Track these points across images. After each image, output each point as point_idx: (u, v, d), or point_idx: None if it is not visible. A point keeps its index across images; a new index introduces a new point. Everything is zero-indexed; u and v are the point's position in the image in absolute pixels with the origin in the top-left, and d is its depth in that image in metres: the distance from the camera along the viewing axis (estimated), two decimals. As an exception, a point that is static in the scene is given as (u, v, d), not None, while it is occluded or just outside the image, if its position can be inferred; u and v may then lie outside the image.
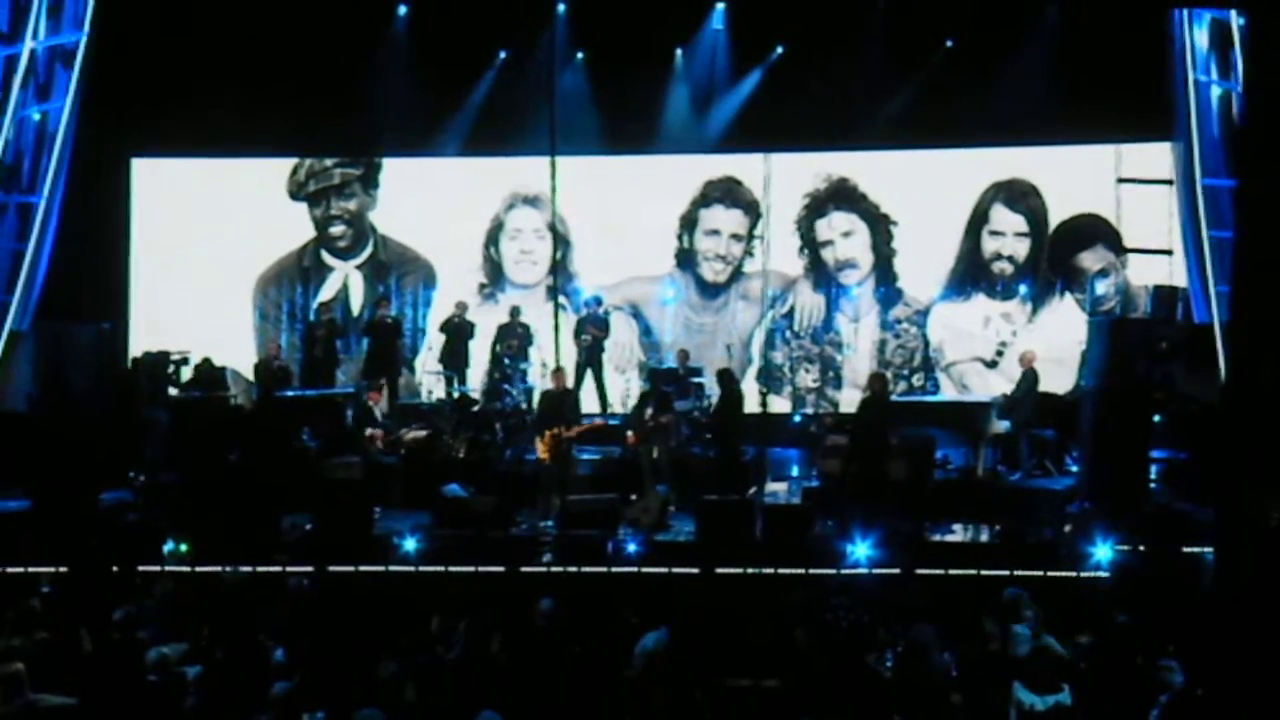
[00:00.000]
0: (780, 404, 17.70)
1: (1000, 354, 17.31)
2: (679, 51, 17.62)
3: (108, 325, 14.82)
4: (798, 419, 16.98)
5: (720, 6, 17.39)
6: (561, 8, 17.32)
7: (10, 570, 11.28)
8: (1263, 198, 5.39)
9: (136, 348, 16.72)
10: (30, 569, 11.18)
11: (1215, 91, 13.37)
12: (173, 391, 15.07)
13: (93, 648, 8.53)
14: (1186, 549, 11.16)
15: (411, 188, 18.44)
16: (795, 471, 15.54)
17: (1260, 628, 5.94)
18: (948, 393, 17.25)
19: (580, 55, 17.56)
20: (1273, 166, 5.35)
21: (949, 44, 16.83)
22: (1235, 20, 13.02)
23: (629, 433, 14.31)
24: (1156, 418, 13.82)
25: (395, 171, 18.53)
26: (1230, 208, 13.13)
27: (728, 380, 14.43)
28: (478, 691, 7.96)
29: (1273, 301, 5.65)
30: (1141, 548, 11.24)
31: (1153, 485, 13.41)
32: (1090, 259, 17.43)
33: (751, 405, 17.25)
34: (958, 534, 12.87)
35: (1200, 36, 13.40)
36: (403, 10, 17.45)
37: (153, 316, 17.76)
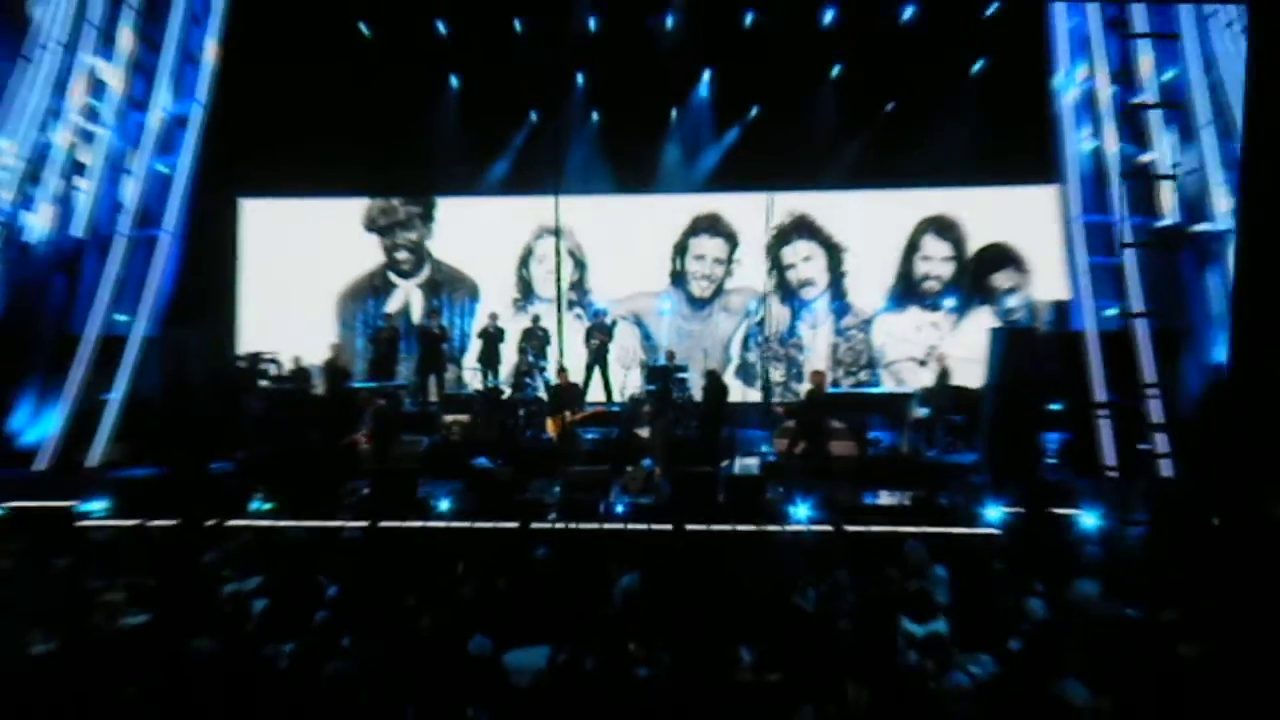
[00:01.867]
0: (753, 395, 17.68)
1: (930, 355, 17.31)
2: (674, 111, 17.70)
3: (217, 332, 15.05)
4: (779, 408, 17.00)
5: (707, 75, 17.49)
6: (580, 78, 17.50)
7: (136, 521, 11.45)
8: (1264, 196, 4.78)
9: (243, 350, 16.80)
10: (150, 521, 11.33)
11: (1086, 147, 13.39)
12: (264, 384, 15.14)
13: (184, 582, 8.70)
14: (1058, 511, 11.15)
15: (460, 221, 18.56)
16: (765, 449, 15.61)
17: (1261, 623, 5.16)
18: (887, 385, 17.27)
19: (594, 115, 17.71)
20: (1273, 167, 4.73)
21: (889, 107, 16.96)
22: (1105, 89, 13.04)
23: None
24: (1055, 406, 13.85)
25: (447, 208, 18.64)
26: (1099, 241, 13.23)
27: (714, 378, 14.49)
28: (485, 620, 7.95)
29: (1273, 300, 4.93)
30: (1021, 510, 11.20)
31: (1050, 460, 13.31)
32: (1001, 279, 17.49)
33: (730, 395, 17.53)
34: (884, 499, 12.77)
35: (1071, 101, 13.37)
36: (455, 81, 17.64)
37: (256, 324, 17.94)
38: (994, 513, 11.50)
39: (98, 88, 15.03)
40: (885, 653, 7.82)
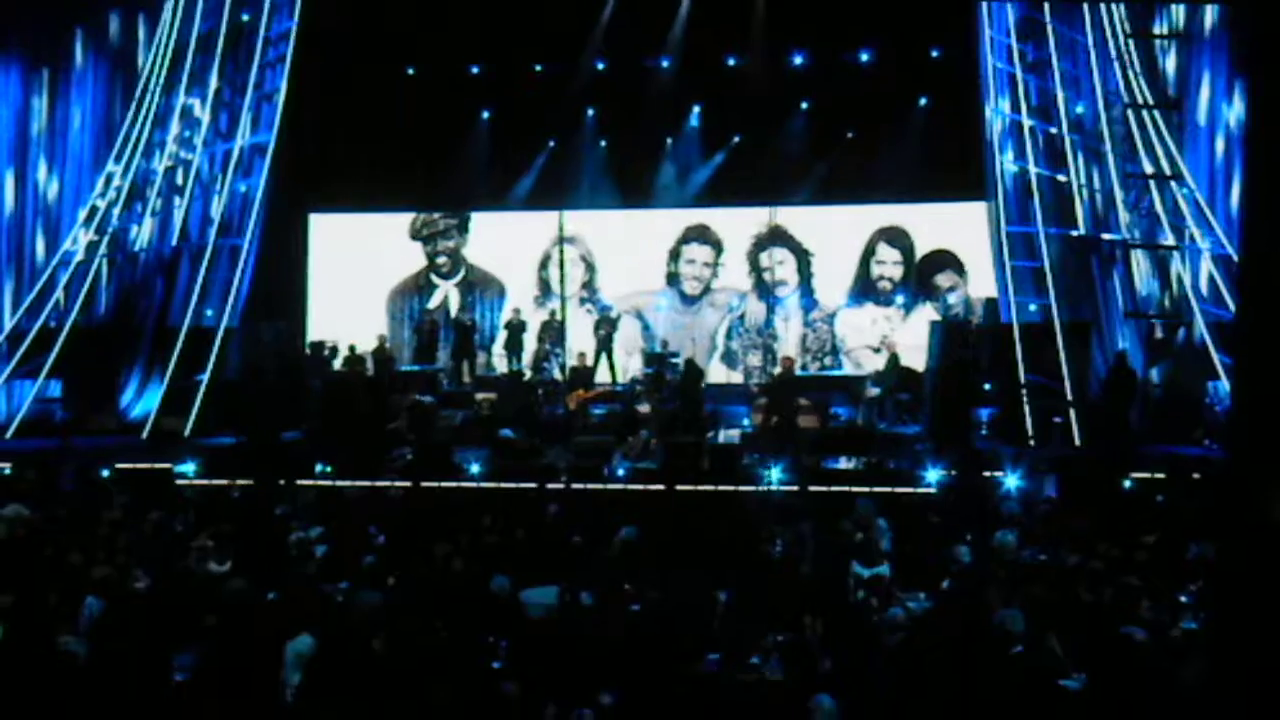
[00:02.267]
0: (736, 377, 17.72)
1: (883, 343, 17.32)
2: (669, 140, 17.62)
3: (284, 324, 15.05)
4: (754, 387, 16.96)
5: (696, 109, 17.47)
6: (590, 111, 17.47)
7: (218, 482, 11.55)
8: (1268, 198, 4.10)
9: (309, 339, 16.87)
10: (232, 481, 11.38)
11: (1011, 169, 13.33)
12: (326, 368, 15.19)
13: (256, 532, 8.76)
14: (985, 474, 11.10)
15: (490, 231, 18.47)
16: (745, 422, 15.62)
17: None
18: (846, 369, 17.21)
19: (602, 143, 17.61)
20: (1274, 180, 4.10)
21: (850, 135, 16.85)
22: (1026, 120, 12.96)
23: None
24: (987, 386, 13.79)
25: (480, 220, 18.53)
26: (1021, 247, 13.16)
27: (691, 364, 14.54)
28: (506, 564, 7.98)
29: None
30: (954, 473, 11.18)
31: (982, 432, 13.24)
32: (943, 279, 17.37)
33: (717, 377, 17.60)
34: (842, 464, 12.69)
35: (998, 127, 13.35)
36: (486, 114, 17.60)
37: (321, 318, 17.91)
38: (932, 475, 11.51)
39: (191, 122, 15.07)
40: (837, 591, 7.88)
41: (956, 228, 16.81)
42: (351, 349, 15.56)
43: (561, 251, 17.50)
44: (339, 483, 11.29)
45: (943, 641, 6.27)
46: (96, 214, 14.81)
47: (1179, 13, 12.91)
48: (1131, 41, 12.52)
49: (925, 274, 17.53)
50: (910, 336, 16.27)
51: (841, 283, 17.80)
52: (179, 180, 14.94)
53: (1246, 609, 4.03)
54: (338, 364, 15.52)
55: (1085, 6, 12.21)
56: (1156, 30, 13.20)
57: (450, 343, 16.93)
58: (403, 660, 5.93)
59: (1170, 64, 13.26)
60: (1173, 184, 12.16)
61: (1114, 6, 12.24)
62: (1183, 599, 7.37)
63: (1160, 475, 10.81)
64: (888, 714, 5.69)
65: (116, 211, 14.78)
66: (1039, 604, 5.86)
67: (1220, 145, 13.14)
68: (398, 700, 5.53)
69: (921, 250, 17.53)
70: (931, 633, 6.57)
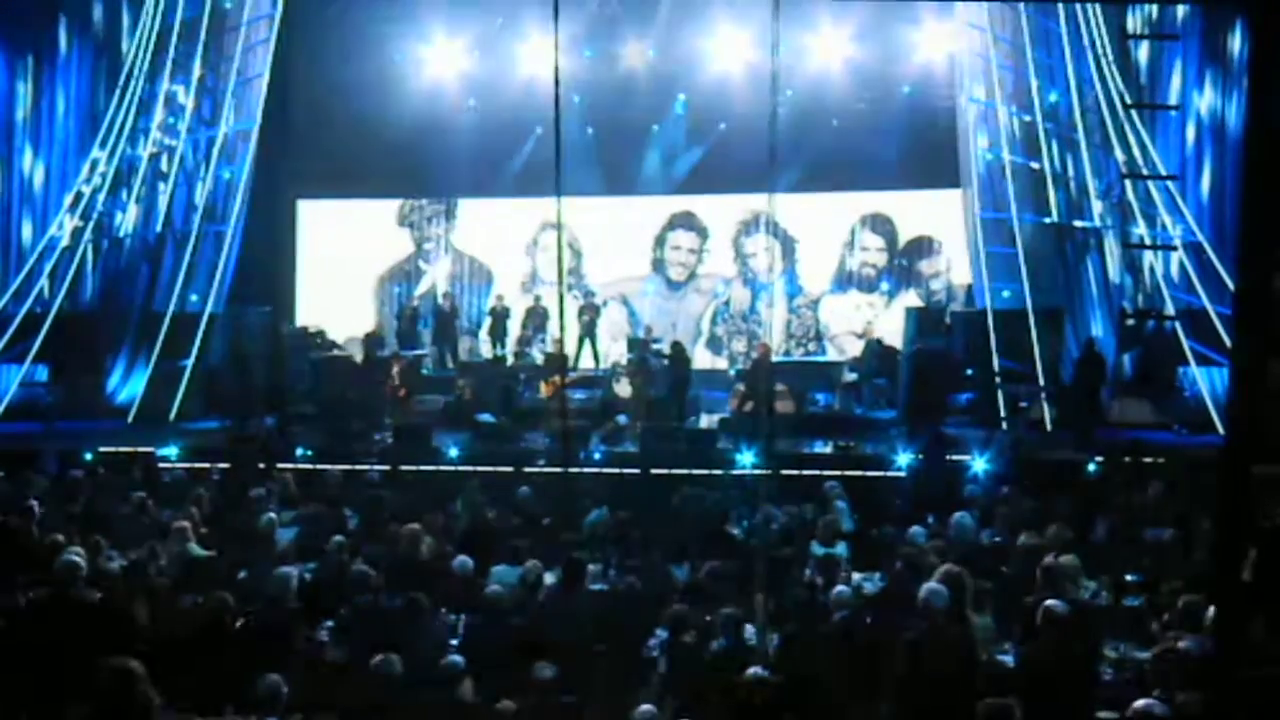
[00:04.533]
0: (721, 363, 17.91)
1: (866, 330, 17.49)
2: (655, 127, 17.74)
3: (268, 309, 15.24)
4: (732, 373, 17.21)
5: (681, 98, 17.60)
6: (576, 99, 17.57)
7: (200, 465, 11.74)
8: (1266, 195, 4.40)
9: (295, 325, 16.95)
10: (213, 465, 11.58)
11: (986, 157, 13.52)
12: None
13: (230, 513, 9.05)
14: (953, 457, 11.32)
15: (477, 218, 18.63)
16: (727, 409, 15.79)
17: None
18: (831, 355, 17.40)
19: (590, 130, 17.59)
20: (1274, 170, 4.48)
21: (834, 123, 16.97)
22: (1000, 107, 13.14)
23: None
24: (967, 371, 13.97)
25: (467, 207, 18.70)
26: (996, 234, 13.37)
27: (678, 348, 14.69)
28: (474, 546, 8.23)
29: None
30: (922, 456, 11.37)
31: (956, 416, 13.38)
32: (926, 266, 17.59)
33: (701, 363, 17.80)
34: (817, 449, 12.88)
35: (973, 115, 13.51)
36: (472, 101, 17.73)
37: (309, 304, 18.06)
38: (903, 459, 11.74)
39: (175, 108, 15.26)
40: (792, 570, 8.14)
41: (938, 215, 16.99)
42: (322, 335, 15.76)
43: (560, 237, 17.60)
44: (318, 466, 11.49)
45: (882, 618, 6.57)
46: (81, 200, 14.99)
47: (1153, 9, 13.08)
48: (1105, 31, 12.67)
49: (908, 260, 17.71)
50: (894, 323, 16.44)
51: (825, 269, 17.98)
52: (163, 166, 15.13)
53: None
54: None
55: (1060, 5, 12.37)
56: (1130, 22, 13.34)
57: (430, 328, 17.13)
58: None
59: (1143, 54, 13.43)
60: (1144, 173, 12.35)
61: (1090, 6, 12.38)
62: (1129, 578, 7.64)
63: (1126, 460, 11.05)
64: (827, 687, 5.98)
65: (101, 197, 14.95)
66: (958, 579, 6.12)
67: (1191, 133, 13.33)
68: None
69: (904, 237, 17.70)
70: (873, 609, 6.86)
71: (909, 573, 7.47)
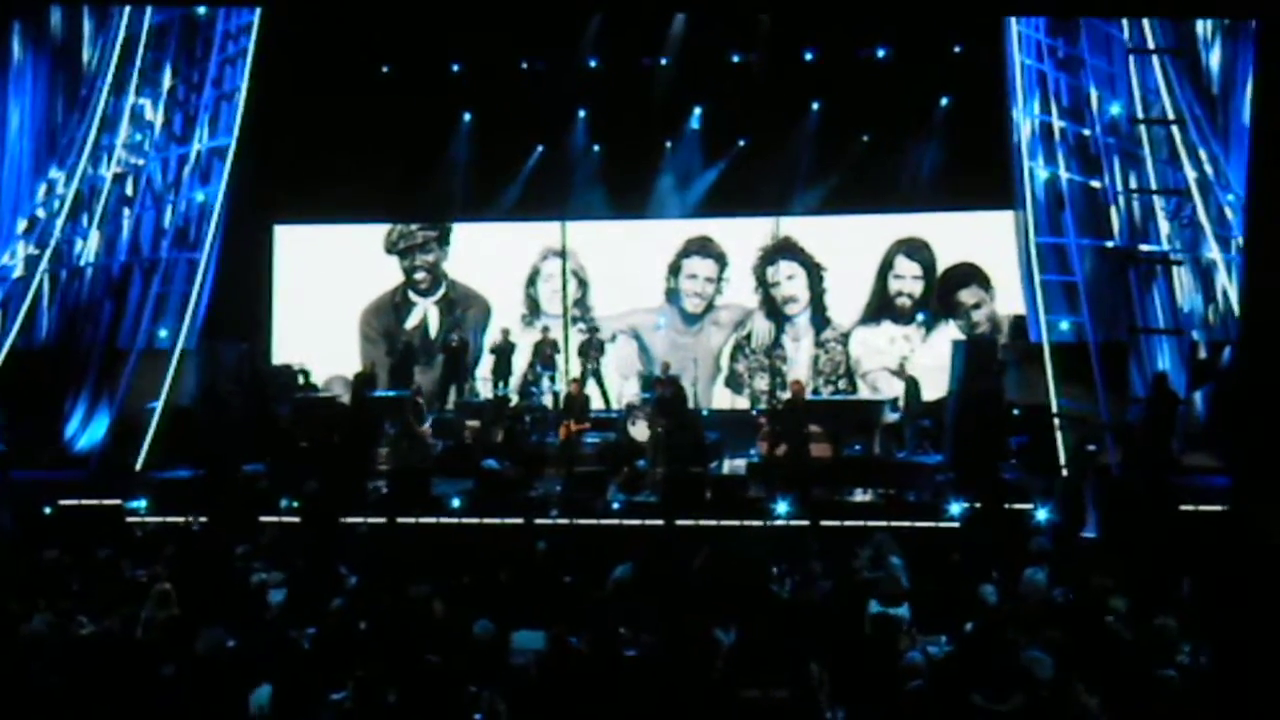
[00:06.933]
0: (742, 402, 17.78)
1: (903, 365, 17.31)
2: (668, 144, 17.67)
3: (246, 345, 15.05)
4: (754, 413, 17.07)
5: (698, 111, 17.54)
6: (581, 113, 17.60)
7: (173, 519, 11.55)
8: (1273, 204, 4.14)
9: (275, 362, 16.91)
10: (190, 518, 11.37)
11: (1042, 175, 13.48)
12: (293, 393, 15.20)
13: (214, 574, 8.81)
14: (1012, 508, 11.24)
15: (474, 244, 18.53)
16: (752, 452, 15.62)
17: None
18: (863, 393, 17.29)
19: (595, 147, 17.67)
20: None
21: (864, 138, 16.96)
22: (1057, 122, 13.12)
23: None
24: (1015, 411, 13.88)
25: (462, 233, 18.60)
26: (1052, 260, 13.30)
27: (676, 386, 14.35)
28: (490, 607, 8.03)
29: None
30: (979, 506, 11.27)
31: (1012, 460, 13.29)
32: (967, 295, 17.46)
33: (721, 402, 17.70)
34: (857, 496, 12.75)
35: (1027, 130, 13.47)
36: (468, 116, 17.67)
37: (288, 339, 17.88)
38: (955, 508, 11.63)
39: (142, 124, 15.20)
40: (851, 633, 7.96)
41: (981, 239, 16.94)
42: (305, 375, 15.63)
43: (564, 266, 17.59)
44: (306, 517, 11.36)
45: (964, 689, 6.38)
46: (37, 225, 14.93)
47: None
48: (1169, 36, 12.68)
49: (947, 290, 17.61)
50: (931, 358, 16.38)
51: (856, 299, 17.89)
52: (129, 189, 15.07)
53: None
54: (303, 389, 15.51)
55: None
56: (1200, 28, 13.31)
57: (425, 365, 17.02)
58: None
59: (1214, 58, 13.39)
60: (1217, 189, 12.32)
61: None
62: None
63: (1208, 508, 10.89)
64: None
65: (59, 223, 14.89)
66: (1062, 646, 5.95)
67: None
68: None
69: (944, 264, 17.63)
70: (952, 679, 6.67)
71: (984, 636, 7.31)
